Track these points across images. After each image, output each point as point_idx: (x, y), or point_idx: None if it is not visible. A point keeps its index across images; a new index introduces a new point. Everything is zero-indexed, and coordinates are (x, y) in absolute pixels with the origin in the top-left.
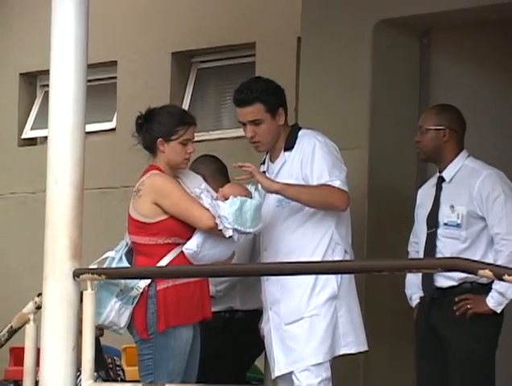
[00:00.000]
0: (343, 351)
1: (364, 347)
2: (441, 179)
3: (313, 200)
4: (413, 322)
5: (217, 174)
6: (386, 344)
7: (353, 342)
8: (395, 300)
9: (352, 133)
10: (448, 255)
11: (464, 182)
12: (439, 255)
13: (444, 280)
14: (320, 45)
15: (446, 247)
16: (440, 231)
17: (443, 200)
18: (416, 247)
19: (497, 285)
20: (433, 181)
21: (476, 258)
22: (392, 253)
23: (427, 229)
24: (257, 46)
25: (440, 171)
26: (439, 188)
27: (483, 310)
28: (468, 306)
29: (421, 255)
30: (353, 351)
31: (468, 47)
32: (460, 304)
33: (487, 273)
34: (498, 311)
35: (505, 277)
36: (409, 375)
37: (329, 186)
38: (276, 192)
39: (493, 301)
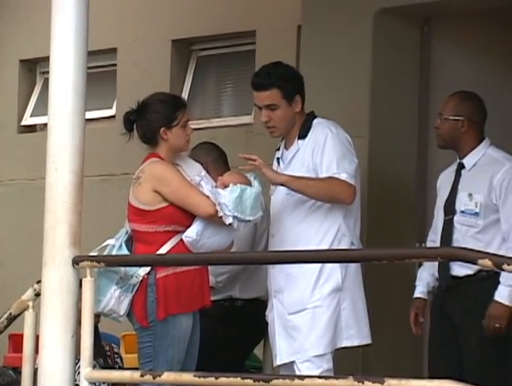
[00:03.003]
0: (345, 343)
1: (367, 340)
2: (461, 166)
3: (318, 193)
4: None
5: (219, 160)
6: (385, 335)
7: (355, 335)
8: (395, 291)
9: (352, 121)
10: (463, 243)
11: (485, 170)
12: (455, 243)
13: (460, 268)
14: (320, 33)
15: (462, 235)
16: (457, 218)
17: (462, 187)
18: (432, 236)
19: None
20: (453, 167)
21: (493, 247)
22: (392, 242)
23: (444, 216)
24: (257, 34)
25: (461, 158)
26: (458, 175)
27: (508, 315)
28: (497, 326)
29: (438, 242)
30: (355, 344)
31: (468, 35)
32: (490, 332)
33: (486, 262)
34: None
35: (505, 266)
36: (408, 365)
37: (336, 179)
38: (281, 184)
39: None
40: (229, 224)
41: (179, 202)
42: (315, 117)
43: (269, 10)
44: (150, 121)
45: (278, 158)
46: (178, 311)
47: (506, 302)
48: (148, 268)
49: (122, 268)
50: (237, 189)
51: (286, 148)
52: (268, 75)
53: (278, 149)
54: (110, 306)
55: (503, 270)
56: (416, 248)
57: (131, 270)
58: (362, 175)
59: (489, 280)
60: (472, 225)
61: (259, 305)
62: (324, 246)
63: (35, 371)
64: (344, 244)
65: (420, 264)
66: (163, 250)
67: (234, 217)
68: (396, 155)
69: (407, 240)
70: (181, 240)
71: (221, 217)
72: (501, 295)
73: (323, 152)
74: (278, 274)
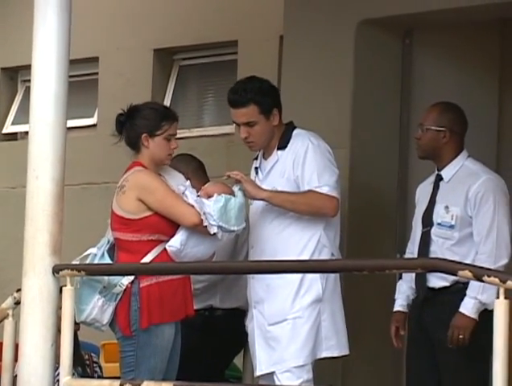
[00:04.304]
0: (324, 354)
1: (345, 351)
2: (439, 178)
3: (299, 208)
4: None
5: (198, 171)
6: (364, 346)
7: (334, 345)
8: (374, 301)
9: (334, 132)
10: (441, 255)
11: (462, 183)
12: (432, 255)
13: (437, 280)
14: (302, 44)
15: (439, 247)
16: (433, 230)
17: (439, 200)
18: (411, 247)
19: (480, 296)
20: (432, 179)
21: (469, 260)
22: (373, 252)
23: (422, 228)
24: (239, 44)
25: (439, 170)
26: (436, 186)
27: (472, 327)
28: (461, 337)
29: (415, 253)
30: (334, 355)
31: (449, 47)
32: (453, 342)
33: (467, 273)
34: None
35: (485, 277)
36: (387, 377)
37: (316, 192)
38: (262, 200)
39: (476, 310)
40: (213, 234)
41: (164, 211)
42: (294, 127)
43: (251, 21)
44: (136, 125)
45: (256, 168)
46: (161, 321)
47: (470, 314)
48: (132, 277)
49: (106, 277)
50: (222, 199)
51: (265, 158)
52: (244, 91)
53: (256, 159)
54: (93, 315)
55: (483, 281)
56: (397, 258)
57: (114, 279)
58: (343, 186)
59: (464, 292)
60: (448, 237)
61: (240, 315)
62: (305, 257)
63: (15, 380)
64: (324, 255)
65: (401, 275)
66: (147, 259)
67: (219, 227)
68: (377, 166)
69: (388, 250)
70: (165, 249)
71: (206, 227)
72: (465, 307)
73: (304, 164)
74: (258, 285)
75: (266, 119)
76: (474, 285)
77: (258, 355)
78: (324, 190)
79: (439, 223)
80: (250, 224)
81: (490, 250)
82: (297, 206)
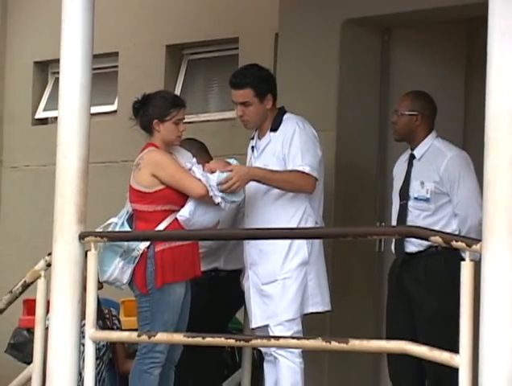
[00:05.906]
0: (311, 309)
1: (328, 307)
2: (412, 156)
3: (284, 187)
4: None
5: (201, 150)
6: (350, 302)
7: (319, 302)
8: (359, 264)
9: (322, 116)
10: (417, 224)
11: (432, 160)
12: (409, 223)
13: (413, 246)
14: (294, 40)
15: (416, 217)
16: (411, 203)
17: (414, 176)
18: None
19: None
20: (405, 157)
21: (440, 225)
22: (356, 221)
23: (400, 201)
24: (240, 40)
25: (412, 149)
26: (410, 164)
27: None
28: None
29: (394, 223)
30: (319, 310)
31: (422, 43)
32: None
33: (437, 239)
34: None
35: (453, 242)
36: (370, 329)
37: (298, 172)
38: (254, 181)
39: None
40: (218, 204)
41: (175, 184)
42: (285, 112)
43: (250, 20)
44: (148, 112)
45: (252, 147)
46: (173, 280)
47: None
48: (148, 243)
49: (125, 243)
50: (224, 174)
51: (259, 138)
52: (243, 75)
53: (253, 139)
54: (115, 276)
55: (451, 246)
56: (377, 226)
57: (133, 244)
58: (330, 164)
59: (437, 255)
60: (424, 209)
61: (241, 276)
62: (293, 225)
63: (46, 330)
64: (309, 224)
65: (381, 241)
66: (161, 227)
67: (222, 198)
68: (360, 146)
69: (369, 219)
70: (176, 218)
71: (212, 197)
72: None
73: (290, 145)
74: (252, 249)
75: (259, 102)
76: None
77: (253, 310)
78: (306, 169)
79: (415, 198)
80: (246, 197)
81: (474, 214)
82: (281, 184)
